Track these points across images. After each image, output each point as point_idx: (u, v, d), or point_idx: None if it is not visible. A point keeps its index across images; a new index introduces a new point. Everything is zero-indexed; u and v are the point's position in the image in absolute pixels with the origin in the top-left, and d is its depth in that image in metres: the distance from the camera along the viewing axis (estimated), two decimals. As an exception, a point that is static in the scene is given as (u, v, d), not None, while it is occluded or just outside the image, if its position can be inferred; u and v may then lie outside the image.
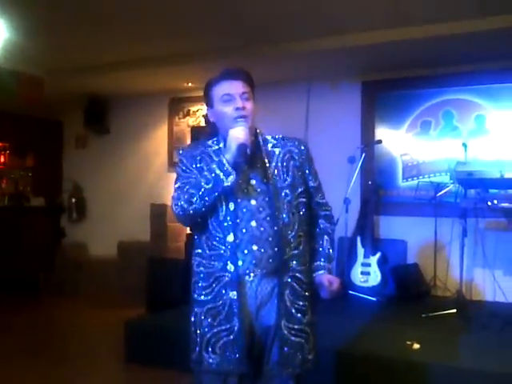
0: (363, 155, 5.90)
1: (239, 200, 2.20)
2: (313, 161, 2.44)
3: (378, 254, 5.64)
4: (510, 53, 5.32)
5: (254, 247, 2.19)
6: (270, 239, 2.20)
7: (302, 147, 2.40)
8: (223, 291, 2.21)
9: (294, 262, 2.24)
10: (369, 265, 5.62)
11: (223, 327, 2.20)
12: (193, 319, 2.30)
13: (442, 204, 5.59)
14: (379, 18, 4.86)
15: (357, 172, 5.86)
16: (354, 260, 5.72)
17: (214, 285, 2.23)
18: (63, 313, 6.58)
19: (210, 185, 2.14)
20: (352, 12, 4.73)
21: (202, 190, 2.15)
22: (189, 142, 6.92)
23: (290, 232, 2.23)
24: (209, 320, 2.23)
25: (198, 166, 2.28)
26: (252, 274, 2.20)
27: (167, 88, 7.06)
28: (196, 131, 7.02)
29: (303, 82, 6.60)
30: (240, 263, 2.19)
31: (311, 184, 2.40)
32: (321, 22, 4.98)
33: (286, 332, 2.21)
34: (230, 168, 2.12)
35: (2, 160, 8.71)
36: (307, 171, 2.38)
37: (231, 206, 2.19)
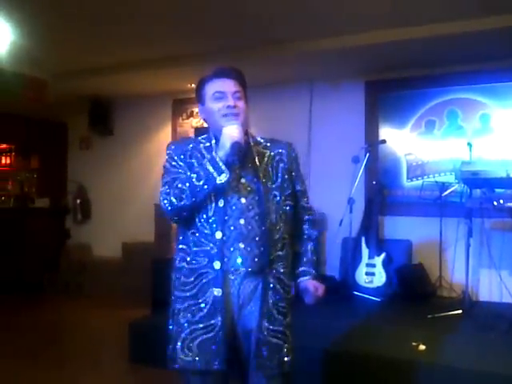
0: (367, 155, 5.88)
1: (229, 197, 2.20)
2: (299, 165, 2.46)
3: (383, 255, 5.62)
4: (514, 51, 5.31)
5: (241, 245, 2.19)
6: (257, 238, 2.20)
7: (291, 150, 2.41)
8: (206, 288, 2.20)
9: (279, 264, 2.25)
10: (373, 265, 5.60)
11: (202, 324, 2.19)
12: (171, 316, 2.29)
13: (447, 204, 5.56)
14: (382, 18, 4.84)
15: (361, 172, 5.84)
16: (358, 260, 5.71)
17: (196, 281, 2.22)
18: (68, 313, 6.59)
19: (202, 181, 2.14)
20: (354, 12, 4.72)
21: (193, 186, 2.15)
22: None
23: (276, 233, 2.24)
24: (188, 317, 2.22)
25: (188, 161, 2.27)
26: (237, 272, 2.20)
27: (170, 89, 7.06)
28: (200, 132, 7.01)
29: (306, 83, 6.60)
30: (226, 260, 2.18)
31: (298, 188, 2.42)
32: (323, 22, 4.97)
33: (265, 333, 2.21)
34: (223, 166, 2.12)
35: (8, 162, 8.75)
36: (295, 175, 2.40)
37: (220, 203, 2.19)
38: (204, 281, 2.20)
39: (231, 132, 2.14)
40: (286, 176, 2.33)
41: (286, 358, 2.27)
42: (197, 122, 7.24)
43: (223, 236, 2.18)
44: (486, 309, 5.06)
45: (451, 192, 5.54)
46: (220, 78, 2.29)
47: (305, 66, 6.14)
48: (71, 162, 8.50)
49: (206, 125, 2.39)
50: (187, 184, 2.16)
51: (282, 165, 2.33)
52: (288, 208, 2.32)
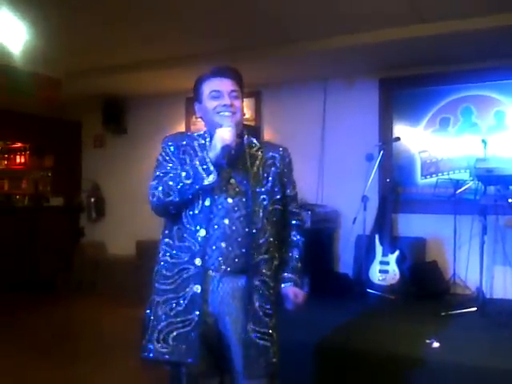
0: (381, 153, 5.86)
1: (216, 196, 2.23)
2: (292, 171, 2.48)
3: (397, 252, 5.60)
4: (529, 48, 5.26)
5: (223, 244, 2.22)
6: (240, 239, 2.23)
7: (285, 155, 2.43)
8: (186, 284, 2.23)
9: (263, 267, 2.28)
10: (387, 263, 5.58)
11: (179, 318, 2.23)
12: (149, 307, 2.34)
13: (462, 201, 5.53)
14: (396, 15, 4.82)
15: (375, 169, 5.83)
16: (372, 258, 5.69)
17: (177, 276, 2.26)
18: (81, 311, 6.64)
19: (190, 180, 2.16)
20: (368, 9, 4.70)
21: (181, 184, 2.18)
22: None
23: (261, 237, 2.26)
24: (166, 309, 2.26)
25: (181, 156, 2.31)
26: (216, 270, 2.22)
27: (183, 88, 7.01)
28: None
29: (320, 81, 6.59)
30: (207, 258, 2.21)
31: (288, 192, 2.44)
32: (337, 20, 4.95)
33: (252, 335, 2.23)
34: (211, 167, 2.14)
35: (22, 161, 8.83)
36: (286, 180, 2.42)
37: (207, 202, 2.22)
38: (184, 276, 2.24)
39: (223, 134, 2.15)
40: (277, 180, 2.35)
41: (273, 360, 2.29)
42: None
43: (206, 234, 2.21)
44: (500, 306, 5.01)
45: (465, 189, 5.51)
46: (217, 77, 2.32)
47: (318, 65, 6.12)
48: (85, 161, 8.54)
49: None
50: (176, 181, 2.19)
51: (273, 169, 2.36)
52: (276, 212, 2.34)
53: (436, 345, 3.76)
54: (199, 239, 2.21)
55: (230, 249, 2.22)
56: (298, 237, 2.48)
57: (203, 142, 2.33)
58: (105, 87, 7.18)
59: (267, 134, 6.73)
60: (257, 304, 2.25)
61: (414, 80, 6.13)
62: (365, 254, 5.78)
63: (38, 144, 8.51)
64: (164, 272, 2.30)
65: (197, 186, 2.16)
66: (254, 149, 2.36)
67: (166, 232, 2.35)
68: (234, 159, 2.26)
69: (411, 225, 6.11)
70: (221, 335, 2.28)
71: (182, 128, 7.50)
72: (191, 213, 2.24)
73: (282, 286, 2.41)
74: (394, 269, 5.54)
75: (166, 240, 2.33)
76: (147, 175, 8.41)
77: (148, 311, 2.33)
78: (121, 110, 7.92)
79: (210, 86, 2.30)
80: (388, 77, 6.27)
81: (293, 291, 2.39)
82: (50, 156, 8.52)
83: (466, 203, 5.50)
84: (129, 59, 6.19)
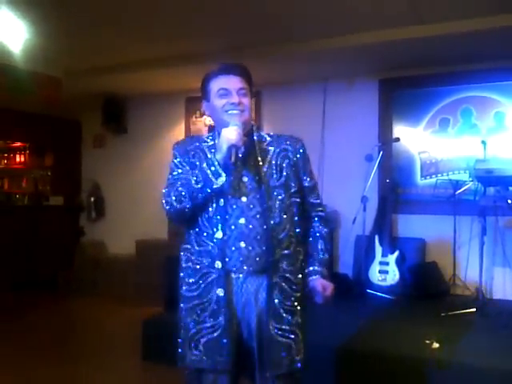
0: (381, 153, 5.87)
1: (230, 196, 2.19)
2: (309, 160, 2.41)
3: (396, 253, 5.61)
4: (529, 49, 5.27)
5: (242, 244, 2.18)
6: (259, 237, 2.19)
7: (298, 146, 2.36)
8: (210, 288, 2.20)
9: (285, 263, 2.23)
10: (387, 263, 5.59)
11: (208, 324, 2.20)
12: (179, 315, 2.31)
13: (461, 202, 5.54)
14: (396, 16, 4.82)
15: (374, 170, 5.83)
16: (371, 258, 5.70)
17: (200, 281, 2.23)
18: (81, 310, 6.64)
19: (200, 185, 2.14)
20: (368, 10, 4.70)
21: (192, 189, 2.15)
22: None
23: (281, 232, 2.22)
24: (194, 316, 2.23)
25: (192, 161, 2.27)
26: (239, 272, 2.19)
27: (183, 87, 7.07)
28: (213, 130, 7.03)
29: (320, 81, 6.59)
30: (227, 260, 2.18)
31: (305, 184, 2.37)
32: (337, 20, 4.95)
33: (273, 333, 2.20)
34: (220, 169, 2.11)
35: (22, 160, 8.81)
36: (302, 170, 2.35)
37: (221, 202, 2.19)
38: (207, 281, 2.21)
39: (229, 135, 2.12)
40: (292, 173, 2.29)
41: (296, 357, 2.26)
42: (210, 120, 7.23)
43: (224, 235, 2.18)
44: (500, 307, 5.02)
45: (465, 190, 5.52)
46: (225, 74, 2.27)
47: (318, 65, 6.12)
48: (85, 160, 8.53)
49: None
50: (187, 187, 2.17)
51: (287, 161, 2.30)
52: (294, 205, 2.29)
53: (436, 345, 3.77)
54: (217, 242, 2.18)
55: (250, 248, 2.18)
56: (322, 228, 2.42)
57: (212, 143, 2.29)
58: (105, 86, 7.18)
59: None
60: (277, 301, 2.20)
61: (414, 81, 6.13)
62: (364, 255, 5.78)
63: (38, 143, 8.51)
64: (187, 279, 2.27)
65: (208, 190, 2.14)
66: (265, 143, 2.31)
67: (185, 238, 2.31)
68: (245, 157, 2.22)
69: (411, 225, 6.11)
70: (245, 335, 2.26)
71: (181, 128, 7.50)
72: (206, 216, 2.21)
73: (309, 279, 2.35)
74: (393, 269, 5.55)
75: (186, 246, 2.30)
76: (147, 174, 8.46)
77: (179, 316, 2.31)
78: (121, 109, 7.91)
79: (217, 84, 2.26)
80: (388, 77, 6.27)
81: (321, 284, 2.33)
82: (49, 155, 8.52)
83: (465, 204, 5.51)
84: (129, 58, 6.18)
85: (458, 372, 3.45)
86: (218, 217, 2.19)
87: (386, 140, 6.14)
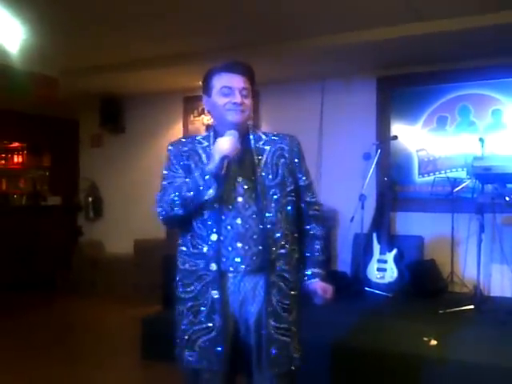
0: (379, 151, 5.87)
1: (225, 196, 2.19)
2: (304, 158, 2.40)
3: (395, 251, 5.62)
4: (526, 46, 5.27)
5: (239, 244, 2.18)
6: (255, 237, 2.18)
7: (294, 144, 2.36)
8: (205, 290, 2.20)
9: (281, 262, 2.23)
10: (385, 261, 5.59)
11: (204, 325, 2.21)
12: (176, 316, 2.31)
13: (459, 199, 5.54)
14: (394, 14, 4.82)
15: (372, 168, 5.83)
16: (370, 256, 5.70)
17: (195, 283, 2.23)
18: (80, 310, 6.63)
19: (191, 193, 2.14)
20: (365, 8, 4.70)
21: (184, 197, 2.15)
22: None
23: (277, 231, 2.22)
24: (190, 318, 2.24)
25: (185, 163, 2.27)
26: (236, 271, 2.19)
27: (181, 86, 7.07)
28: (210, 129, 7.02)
29: (317, 80, 6.58)
30: (223, 260, 2.18)
31: (301, 182, 2.37)
32: (334, 18, 4.95)
33: (272, 332, 2.21)
34: (210, 181, 2.11)
35: (20, 160, 8.82)
36: (298, 169, 2.35)
37: (216, 204, 2.18)
38: (203, 283, 2.21)
39: (222, 145, 2.11)
40: (287, 172, 2.29)
41: (295, 355, 2.27)
42: (208, 119, 7.24)
43: (220, 236, 2.18)
44: (498, 304, 5.04)
45: (463, 188, 5.52)
46: (229, 72, 2.26)
47: (316, 63, 6.11)
48: (83, 160, 8.51)
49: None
50: (178, 194, 2.16)
51: (282, 160, 2.29)
52: (290, 204, 2.29)
53: (434, 342, 3.77)
54: (212, 244, 2.18)
55: (247, 247, 2.17)
56: (317, 227, 2.41)
57: (207, 144, 2.29)
58: (102, 86, 7.17)
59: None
60: (275, 300, 2.21)
61: (412, 79, 6.13)
62: (363, 253, 5.79)
63: (36, 143, 8.52)
64: (184, 281, 2.27)
65: (198, 199, 2.14)
66: (261, 142, 2.31)
67: (181, 240, 2.31)
68: (241, 157, 2.21)
69: (409, 223, 6.11)
70: (242, 333, 2.26)
71: (179, 127, 7.50)
72: (201, 219, 2.21)
73: (309, 282, 2.36)
74: (391, 267, 5.55)
75: (182, 248, 2.30)
76: (145, 174, 8.45)
77: (175, 318, 2.32)
78: (118, 108, 7.90)
79: (221, 81, 2.24)
80: (385, 75, 6.26)
81: (321, 287, 2.35)
82: (47, 155, 8.54)
83: (463, 201, 5.51)
84: (126, 58, 6.18)
85: (456, 369, 3.46)
86: (213, 219, 2.19)
87: (384, 138, 6.14)
